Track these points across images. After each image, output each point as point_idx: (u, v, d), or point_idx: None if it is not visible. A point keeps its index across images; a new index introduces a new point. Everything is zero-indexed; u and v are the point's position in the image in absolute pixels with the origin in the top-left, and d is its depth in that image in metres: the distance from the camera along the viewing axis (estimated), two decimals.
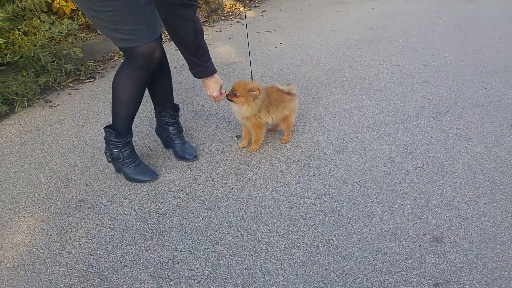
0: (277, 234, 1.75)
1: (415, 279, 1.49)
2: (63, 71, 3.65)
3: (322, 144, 2.44)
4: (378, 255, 1.60)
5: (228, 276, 1.56)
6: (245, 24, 2.75)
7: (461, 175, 2.06)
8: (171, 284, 1.54)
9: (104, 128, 2.09)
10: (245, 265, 1.60)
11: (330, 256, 1.62)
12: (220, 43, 4.86)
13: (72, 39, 3.98)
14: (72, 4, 4.03)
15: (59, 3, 3.95)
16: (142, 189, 2.11)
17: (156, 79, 2.14)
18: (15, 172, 2.33)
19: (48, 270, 1.63)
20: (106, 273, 1.60)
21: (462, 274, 1.49)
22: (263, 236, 1.75)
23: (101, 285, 1.55)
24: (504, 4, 5.75)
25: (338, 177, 2.11)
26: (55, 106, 3.22)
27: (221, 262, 1.63)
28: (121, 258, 1.67)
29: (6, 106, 3.09)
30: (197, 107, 3.07)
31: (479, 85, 3.10)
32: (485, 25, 4.75)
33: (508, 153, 2.20)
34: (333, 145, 2.41)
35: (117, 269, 1.62)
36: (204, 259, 1.64)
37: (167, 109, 2.28)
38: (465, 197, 1.89)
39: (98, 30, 4.43)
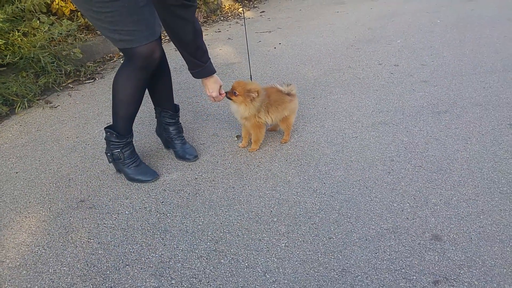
0: (278, 233, 1.76)
1: (414, 277, 1.50)
2: (63, 72, 3.66)
3: (322, 144, 2.45)
4: (377, 253, 1.62)
5: (229, 274, 1.57)
6: (244, 25, 2.76)
7: (460, 174, 2.07)
8: (172, 283, 1.55)
9: (105, 128, 2.10)
10: (246, 264, 1.61)
11: (330, 254, 1.63)
12: (219, 43, 4.87)
13: (72, 40, 3.99)
14: (71, 5, 4.04)
15: (58, 4, 3.95)
16: (143, 189, 2.12)
17: (156, 79, 2.15)
18: (16, 173, 2.34)
19: (50, 270, 1.64)
20: (108, 272, 1.61)
21: (461, 272, 1.51)
22: (264, 235, 1.76)
23: (103, 284, 1.56)
24: (502, 4, 5.77)
25: (338, 176, 2.12)
26: (55, 107, 3.23)
27: (222, 260, 1.64)
28: (122, 258, 1.68)
29: (6, 107, 3.10)
30: (197, 107, 3.08)
31: (477, 85, 3.12)
32: (483, 25, 4.77)
33: (506, 152, 2.22)
34: (333, 145, 2.43)
35: (119, 268, 1.63)
36: (205, 258, 1.65)
37: (167, 109, 2.29)
38: (464, 196, 1.91)
39: (97, 31, 4.45)
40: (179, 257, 1.67)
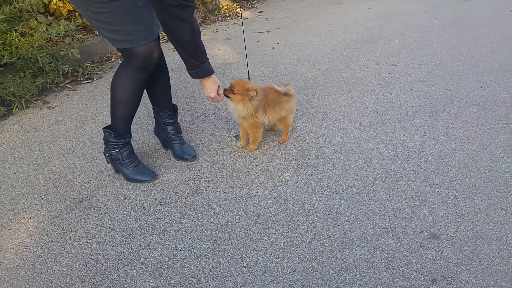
0: (276, 233, 1.77)
1: (412, 275, 1.51)
2: (61, 72, 3.65)
3: (320, 143, 2.46)
4: (376, 252, 1.62)
5: (228, 274, 1.57)
6: (242, 25, 2.76)
7: (457, 173, 2.08)
8: (171, 283, 1.55)
9: (103, 128, 2.10)
10: (245, 263, 1.62)
11: (329, 253, 1.64)
12: (217, 43, 4.87)
13: (70, 40, 3.98)
14: (69, 5, 4.03)
15: (56, 4, 3.94)
16: (142, 189, 2.13)
17: (154, 79, 2.15)
18: (14, 173, 2.34)
19: (49, 270, 1.64)
20: (107, 272, 1.61)
21: (459, 270, 1.51)
22: (262, 234, 1.76)
23: (102, 284, 1.56)
24: (498, 4, 5.79)
25: (336, 176, 2.13)
26: (53, 107, 3.23)
27: (221, 260, 1.64)
28: (121, 258, 1.68)
29: (4, 108, 3.09)
30: (195, 107, 3.09)
31: (474, 84, 3.13)
32: (480, 25, 4.78)
33: (503, 151, 2.23)
34: (331, 144, 2.43)
35: (118, 269, 1.63)
36: (204, 258, 1.66)
37: (165, 109, 2.30)
38: (461, 195, 1.92)
39: (95, 31, 4.44)
40: (178, 257, 1.67)
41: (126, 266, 1.64)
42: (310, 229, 1.77)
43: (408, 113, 2.75)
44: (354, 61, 3.90)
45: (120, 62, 4.26)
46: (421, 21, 5.26)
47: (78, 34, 4.17)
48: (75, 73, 3.84)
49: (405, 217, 1.80)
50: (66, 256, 1.70)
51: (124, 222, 1.89)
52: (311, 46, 4.53)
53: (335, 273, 1.54)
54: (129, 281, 1.57)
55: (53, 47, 3.65)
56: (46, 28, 3.51)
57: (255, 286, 1.51)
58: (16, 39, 3.28)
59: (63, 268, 1.64)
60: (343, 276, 1.53)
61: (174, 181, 2.18)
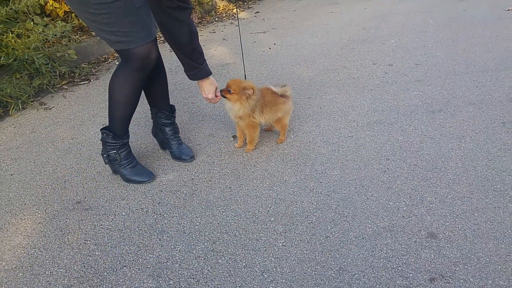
0: (275, 233, 1.77)
1: (411, 275, 1.51)
2: (57, 74, 3.64)
3: (318, 143, 2.46)
4: (374, 252, 1.63)
5: (227, 274, 1.57)
6: (238, 25, 2.77)
7: (455, 172, 2.09)
8: (170, 284, 1.55)
9: (101, 129, 2.09)
10: (244, 264, 1.62)
11: (328, 253, 1.64)
12: (214, 44, 4.87)
13: (66, 41, 3.97)
14: (66, 6, 4.02)
15: (52, 5, 3.93)
16: (140, 190, 2.12)
17: (152, 80, 2.15)
18: (11, 175, 2.33)
19: (47, 272, 1.63)
20: (105, 273, 1.61)
21: (457, 269, 1.52)
22: (261, 234, 1.77)
23: (101, 285, 1.56)
24: (493, 4, 5.82)
25: (334, 176, 2.13)
26: (50, 109, 3.22)
27: (219, 261, 1.64)
28: (120, 259, 1.68)
29: (0, 109, 3.08)
30: (193, 108, 3.09)
31: (470, 84, 3.15)
32: (476, 25, 4.81)
33: (499, 150, 2.24)
34: (329, 144, 2.44)
35: (116, 270, 1.62)
36: (202, 258, 1.66)
37: (163, 110, 2.29)
38: (459, 194, 1.93)
39: (91, 32, 4.43)
40: (177, 258, 1.67)
41: (124, 267, 1.64)
42: (308, 229, 1.78)
43: (405, 113, 2.76)
44: (351, 61, 3.91)
45: (117, 63, 4.25)
46: (416, 21, 5.29)
47: (75, 35, 4.16)
48: (72, 74, 3.83)
49: (403, 216, 1.81)
50: (64, 258, 1.70)
51: (122, 223, 1.89)
52: (307, 46, 4.54)
53: (334, 273, 1.55)
54: (127, 282, 1.57)
55: (49, 48, 3.65)
56: (43, 29, 3.51)
57: (254, 286, 1.51)
58: (13, 40, 3.27)
59: (61, 270, 1.64)
60: (342, 275, 1.53)
61: (172, 181, 2.18)
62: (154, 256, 1.68)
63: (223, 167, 2.29)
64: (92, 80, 3.83)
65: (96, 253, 1.72)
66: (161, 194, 2.08)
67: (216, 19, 6.42)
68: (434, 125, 2.57)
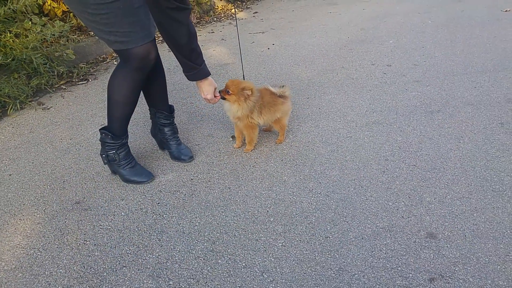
0: (275, 233, 1.77)
1: (410, 275, 1.52)
2: (56, 73, 3.63)
3: (317, 144, 2.46)
4: (374, 252, 1.63)
5: (226, 274, 1.57)
6: (236, 26, 2.77)
7: (453, 172, 2.10)
8: (170, 284, 1.55)
9: (100, 130, 2.09)
10: (244, 264, 1.62)
11: (327, 253, 1.64)
12: (212, 44, 4.87)
13: (64, 41, 3.96)
14: (64, 6, 4.01)
15: (50, 5, 3.92)
16: (139, 190, 2.12)
17: (151, 80, 2.15)
18: (10, 175, 2.32)
19: (46, 272, 1.63)
20: (105, 274, 1.61)
21: (456, 269, 1.53)
22: (261, 235, 1.77)
23: (100, 286, 1.55)
24: (491, 5, 5.84)
25: (333, 176, 2.14)
26: (48, 109, 3.21)
27: (219, 261, 1.64)
28: (119, 259, 1.68)
29: None
30: (191, 108, 3.08)
31: (469, 84, 3.16)
32: (473, 26, 4.82)
33: (498, 151, 2.25)
34: (328, 145, 2.44)
35: (116, 270, 1.62)
36: (202, 259, 1.66)
37: (162, 110, 2.29)
38: (458, 194, 1.93)
39: (90, 32, 4.42)
40: (176, 258, 1.67)
41: (124, 268, 1.63)
42: (308, 229, 1.78)
43: (403, 113, 2.77)
44: (350, 62, 3.92)
45: (115, 63, 4.25)
46: (415, 21, 5.30)
47: (73, 35, 4.15)
48: (70, 74, 3.83)
49: (402, 216, 1.81)
50: (64, 258, 1.70)
51: (121, 224, 1.89)
52: (306, 46, 4.54)
53: (334, 273, 1.55)
54: (127, 282, 1.56)
55: (47, 48, 3.63)
56: (41, 29, 3.50)
57: (254, 286, 1.51)
58: (11, 40, 3.26)
59: (60, 270, 1.63)
60: (342, 276, 1.54)
61: (171, 182, 2.18)
62: (153, 256, 1.68)
63: (222, 168, 2.29)
64: (90, 80, 3.82)
65: (96, 254, 1.71)
66: (160, 195, 2.08)
67: (215, 19, 6.42)
68: (433, 125, 2.58)
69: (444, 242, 1.66)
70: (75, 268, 1.64)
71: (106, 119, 2.09)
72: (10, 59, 3.22)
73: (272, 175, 2.19)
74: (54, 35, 3.59)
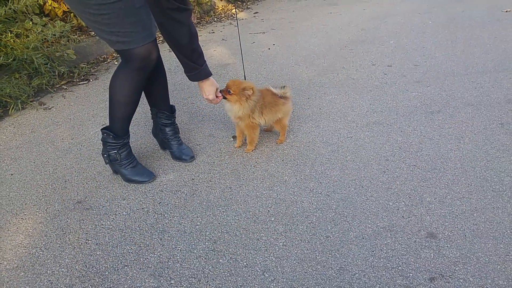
0: (275, 232, 1.78)
1: (411, 274, 1.52)
2: (57, 73, 3.64)
3: (317, 144, 2.47)
4: (374, 251, 1.64)
5: (228, 274, 1.58)
6: (237, 26, 2.77)
7: (454, 172, 2.11)
8: (171, 283, 1.55)
9: (102, 129, 2.10)
10: (245, 263, 1.62)
11: (328, 253, 1.65)
12: (213, 44, 4.88)
13: (65, 41, 3.97)
14: (64, 6, 4.02)
15: (51, 5, 3.93)
16: (140, 190, 2.13)
17: (152, 80, 2.15)
18: (11, 175, 2.33)
19: (48, 271, 1.64)
20: (107, 273, 1.62)
21: (457, 269, 1.53)
22: (262, 234, 1.77)
23: (102, 285, 1.56)
24: (491, 5, 5.85)
25: (334, 176, 2.14)
26: (49, 109, 3.21)
27: (220, 260, 1.65)
28: (121, 258, 1.68)
29: (0, 109, 3.08)
30: (192, 108, 3.09)
31: (469, 85, 3.16)
32: (474, 26, 4.83)
33: (498, 151, 2.26)
34: (328, 145, 2.45)
35: (118, 269, 1.63)
36: (204, 258, 1.66)
37: (163, 110, 2.30)
38: (458, 194, 1.94)
39: (90, 32, 4.43)
40: (178, 257, 1.67)
41: (126, 267, 1.64)
42: (309, 229, 1.79)
43: (404, 114, 2.78)
44: (350, 62, 3.92)
45: (116, 63, 4.25)
46: (415, 22, 5.31)
47: (74, 35, 4.16)
48: (71, 74, 3.83)
49: (402, 216, 1.82)
50: (66, 257, 1.70)
51: (123, 223, 1.89)
52: (307, 47, 4.55)
53: (335, 273, 1.56)
54: (129, 281, 1.57)
55: (48, 48, 3.64)
56: (41, 29, 3.50)
57: (255, 285, 1.52)
58: (12, 40, 3.27)
59: (62, 269, 1.64)
60: (343, 275, 1.54)
61: (172, 181, 2.19)
62: (155, 255, 1.69)
63: (223, 167, 2.30)
64: (91, 80, 3.83)
65: (98, 253, 1.72)
66: (161, 194, 2.08)
67: (215, 19, 6.43)
68: (433, 126, 2.59)
69: (445, 242, 1.66)
70: (77, 267, 1.65)
71: (108, 119, 2.10)
72: (11, 59, 3.23)
73: (273, 175, 2.20)
74: (55, 35, 3.60)
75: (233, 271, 1.59)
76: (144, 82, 2.03)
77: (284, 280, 1.54)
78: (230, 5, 7.26)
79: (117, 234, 1.82)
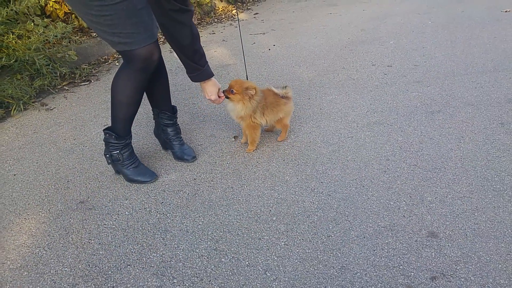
0: (277, 232, 1.79)
1: (412, 273, 1.53)
2: (58, 74, 3.65)
3: (318, 144, 2.48)
4: (376, 251, 1.65)
5: (230, 273, 1.59)
6: (238, 27, 2.79)
7: (454, 172, 2.12)
8: (174, 282, 1.56)
9: (104, 130, 2.11)
10: (247, 262, 1.63)
11: (329, 252, 1.66)
12: (214, 45, 4.89)
13: (67, 42, 3.98)
14: (66, 7, 4.03)
15: (52, 6, 3.94)
16: (142, 190, 2.14)
17: (154, 81, 2.16)
18: (14, 175, 2.34)
19: (52, 271, 1.65)
20: (110, 272, 1.63)
21: (458, 268, 1.54)
22: (264, 234, 1.78)
23: (105, 284, 1.57)
24: (490, 5, 5.86)
25: (335, 176, 2.15)
26: (51, 109, 3.23)
27: (223, 259, 1.66)
28: (124, 258, 1.69)
29: (2, 110, 3.09)
30: (194, 108, 3.10)
31: (469, 85, 3.17)
32: (473, 26, 4.84)
33: (498, 150, 2.27)
34: (329, 145, 2.46)
35: (121, 268, 1.64)
36: (206, 257, 1.67)
37: (165, 110, 2.31)
38: (459, 193, 1.95)
39: (92, 33, 4.44)
40: (180, 257, 1.68)
41: (128, 266, 1.65)
42: (310, 228, 1.80)
43: (404, 114, 2.79)
44: (350, 62, 3.94)
45: (117, 64, 4.27)
46: (415, 22, 5.32)
47: (75, 36, 4.17)
48: (73, 75, 3.84)
49: (403, 216, 1.83)
50: (69, 257, 1.71)
51: (125, 223, 1.90)
52: (307, 47, 4.56)
53: (336, 272, 1.57)
54: (132, 280, 1.58)
55: (50, 49, 3.65)
56: (43, 30, 3.51)
57: (257, 284, 1.53)
58: (13, 41, 3.28)
59: (66, 269, 1.65)
60: (344, 274, 1.55)
61: (174, 181, 2.20)
62: (157, 255, 1.70)
63: (225, 167, 2.31)
64: (92, 81, 3.84)
65: (100, 252, 1.73)
66: (163, 194, 2.09)
67: (216, 20, 6.44)
68: (434, 125, 2.60)
69: (446, 241, 1.67)
70: (80, 266, 1.66)
71: (110, 120, 2.11)
72: (13, 60, 3.24)
73: (274, 175, 2.21)
74: (56, 36, 3.61)
75: (235, 270, 1.60)
76: (146, 82, 2.04)
77: (286, 279, 1.55)
78: (230, 6, 7.28)
79: (120, 234, 1.83)
